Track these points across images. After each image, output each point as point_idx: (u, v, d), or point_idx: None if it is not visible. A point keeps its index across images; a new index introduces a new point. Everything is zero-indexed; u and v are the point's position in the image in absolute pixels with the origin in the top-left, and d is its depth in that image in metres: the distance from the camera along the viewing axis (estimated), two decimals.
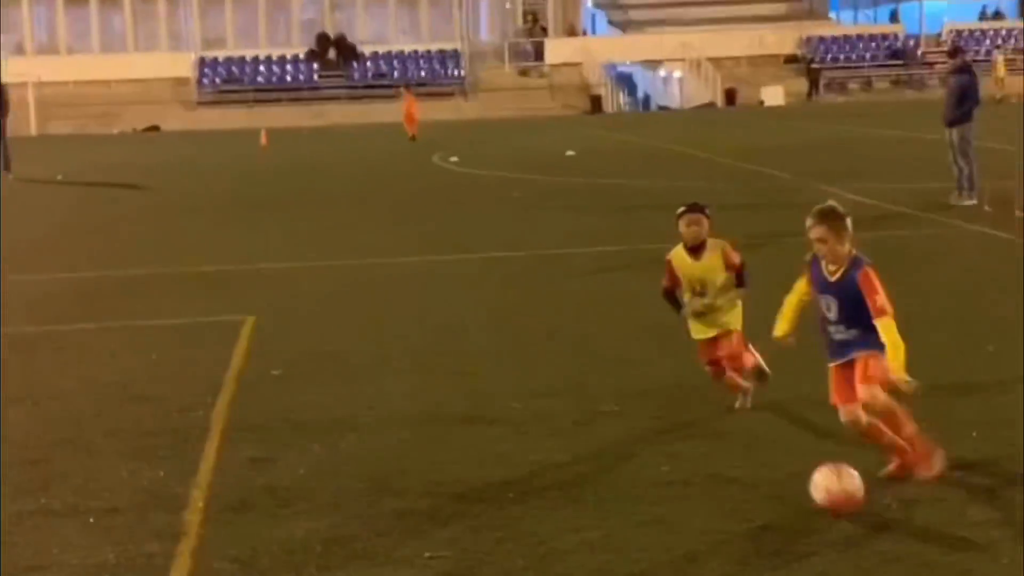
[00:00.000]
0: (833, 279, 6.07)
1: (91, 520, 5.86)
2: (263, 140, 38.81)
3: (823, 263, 6.11)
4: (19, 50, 60.54)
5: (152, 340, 9.96)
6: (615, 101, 60.36)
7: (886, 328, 5.86)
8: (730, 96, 57.77)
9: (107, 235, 17.31)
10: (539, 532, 5.56)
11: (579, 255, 13.95)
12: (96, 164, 31.44)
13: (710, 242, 7.39)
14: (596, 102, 57.61)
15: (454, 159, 29.25)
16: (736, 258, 7.40)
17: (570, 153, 29.69)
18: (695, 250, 7.36)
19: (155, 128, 53.49)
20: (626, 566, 5.18)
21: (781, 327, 6.50)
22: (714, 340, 7.38)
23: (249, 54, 60.51)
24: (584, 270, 12.90)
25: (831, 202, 6.27)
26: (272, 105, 56.51)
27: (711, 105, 57.33)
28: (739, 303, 7.42)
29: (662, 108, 61.60)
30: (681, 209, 7.45)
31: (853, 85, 60.86)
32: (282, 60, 60.31)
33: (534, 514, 5.78)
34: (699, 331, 7.45)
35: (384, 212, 19.20)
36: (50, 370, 9.05)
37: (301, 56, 60.33)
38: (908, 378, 5.81)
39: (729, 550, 5.33)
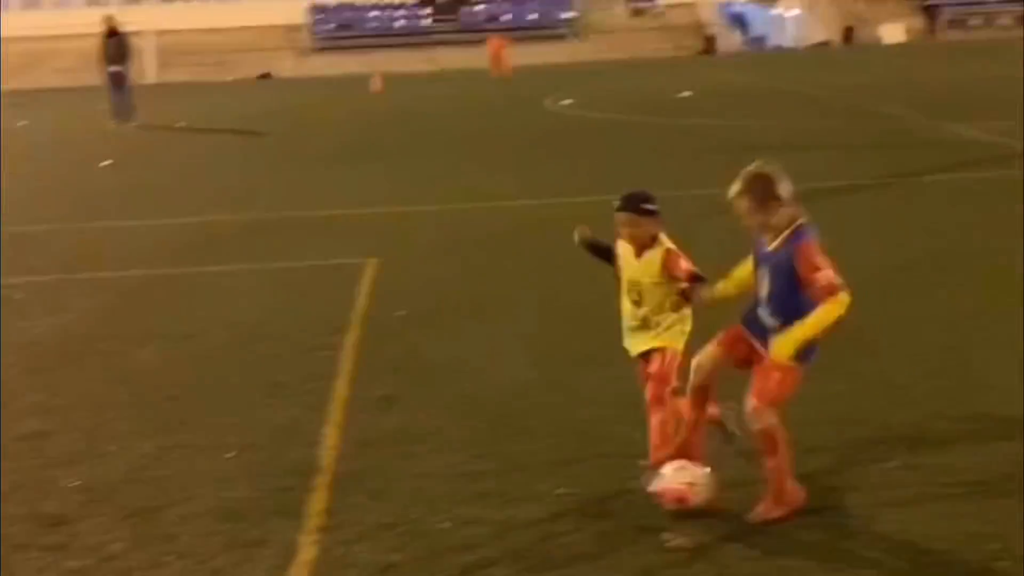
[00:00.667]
0: (769, 248, 5.21)
1: (228, 456, 6.00)
2: (376, 85, 39.01)
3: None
4: None
5: (278, 282, 10.12)
6: (729, 41, 59.40)
7: (826, 311, 4.91)
8: (847, 34, 56.53)
9: (229, 180, 17.59)
10: None
11: (695, 197, 13.76)
12: (214, 111, 31.92)
13: (660, 240, 5.85)
14: (710, 42, 56.81)
15: (567, 102, 29.11)
16: (679, 269, 5.72)
17: (685, 94, 29.36)
18: (641, 247, 5.83)
19: (267, 75, 54.09)
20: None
21: (720, 287, 5.65)
22: (647, 357, 5.76)
23: (361, 0, 60.76)
24: (700, 213, 12.75)
25: (755, 165, 5.37)
26: (384, 51, 56.72)
27: (827, 44, 56.15)
28: (686, 323, 5.77)
29: (777, 48, 60.49)
30: (614, 203, 5.92)
31: (975, 22, 59.08)
32: (393, 5, 60.46)
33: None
34: (633, 345, 5.88)
35: (499, 156, 19.21)
36: (181, 310, 9.25)
37: (413, 1, 60.39)
38: (787, 360, 4.99)
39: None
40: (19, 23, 55.03)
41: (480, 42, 57.26)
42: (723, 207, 12.68)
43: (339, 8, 60.29)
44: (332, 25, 59.23)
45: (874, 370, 6.95)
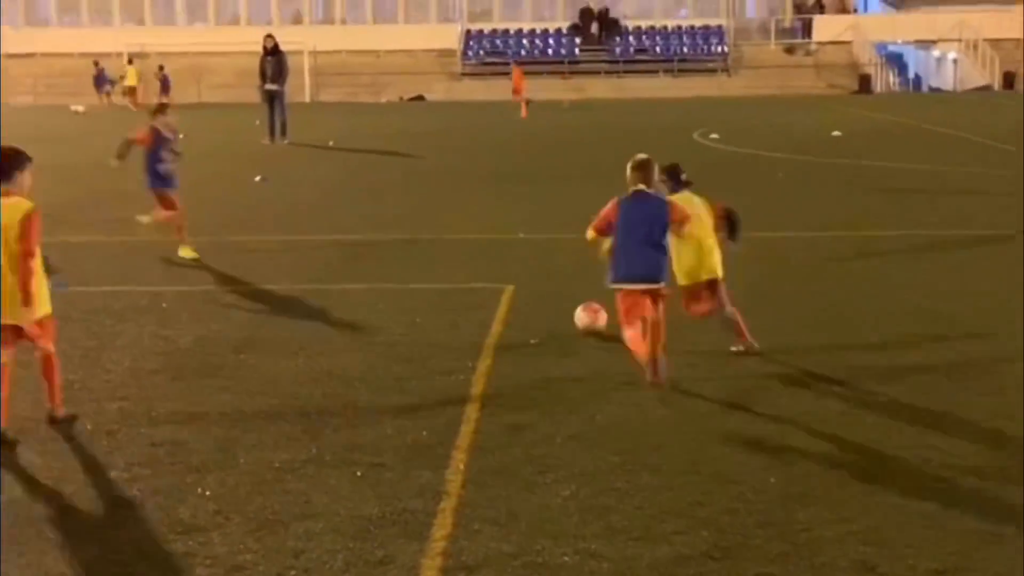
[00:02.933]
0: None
1: (358, 473, 6.05)
2: (523, 112, 39.27)
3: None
4: (296, 19, 63.12)
5: (416, 303, 10.21)
6: (884, 81, 58.37)
7: None
8: (1008, 79, 55.07)
9: (375, 199, 17.85)
10: (802, 519, 5.43)
11: (843, 238, 13.56)
12: (365, 131, 32.48)
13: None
14: (865, 82, 55.88)
15: (715, 136, 28.89)
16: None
17: (836, 133, 28.90)
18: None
19: (420, 98, 54.88)
20: (890, 563, 5.00)
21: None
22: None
23: (513, 27, 61.32)
24: (848, 254, 12.53)
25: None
26: (533, 78, 57.10)
27: (987, 88, 54.76)
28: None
29: (934, 90, 59.24)
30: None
31: None
32: (545, 33, 60.88)
33: (797, 500, 5.65)
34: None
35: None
36: (321, 327, 9.39)
37: (564, 30, 60.72)
38: None
39: (1003, 553, 5.07)
40: (182, 39, 56.81)
41: (629, 72, 57.33)
42: (868, 250, 12.46)
43: (491, 34, 60.90)
44: (483, 50, 59.84)
45: None
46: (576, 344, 8.74)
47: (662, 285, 7.77)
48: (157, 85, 49.81)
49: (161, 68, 50.88)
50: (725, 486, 5.86)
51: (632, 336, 7.84)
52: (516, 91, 43.99)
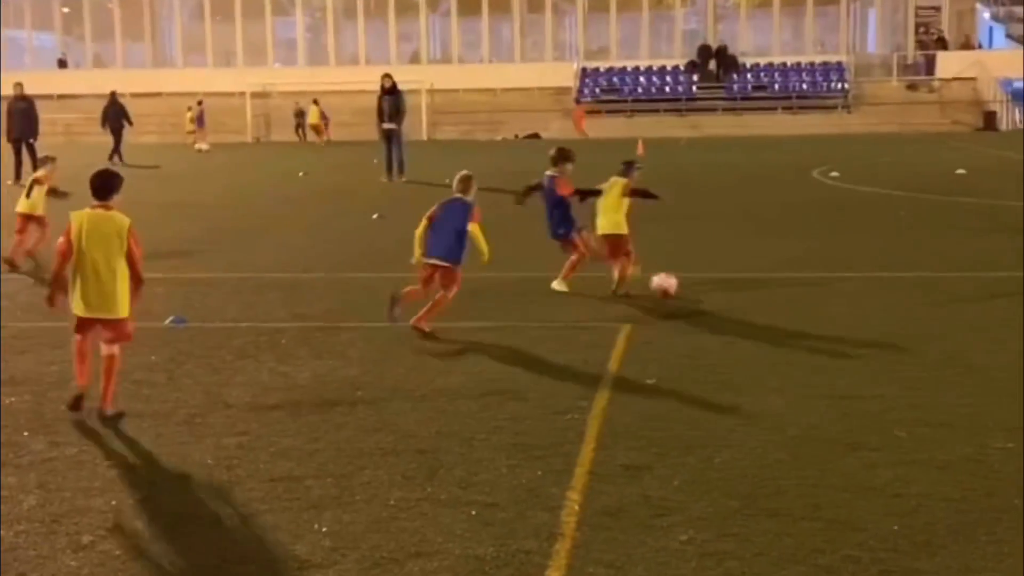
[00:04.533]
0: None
1: (472, 512, 6.04)
2: (640, 149, 39.18)
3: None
4: (415, 59, 64.00)
5: (533, 342, 10.19)
6: (1010, 118, 57.04)
7: None
8: None
9: (493, 238, 17.79)
10: (926, 570, 5.27)
11: (969, 279, 13.24)
12: (480, 169, 32.56)
13: None
14: (990, 119, 54.67)
15: (835, 174, 28.51)
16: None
17: (960, 172, 28.30)
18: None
19: (536, 135, 55.11)
20: None
21: None
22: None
23: (630, 64, 61.34)
24: (975, 295, 12.23)
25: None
26: (650, 115, 57.00)
27: None
28: None
29: None
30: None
31: None
32: (662, 71, 60.77)
33: (921, 550, 5.49)
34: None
35: (763, 225, 18.92)
36: (437, 364, 9.43)
37: (681, 67, 60.57)
38: None
39: None
40: (304, 79, 57.93)
41: (747, 110, 56.91)
42: (995, 292, 12.12)
43: (608, 72, 61.00)
44: (600, 88, 59.94)
45: None
46: (693, 385, 8.65)
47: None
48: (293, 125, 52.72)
49: (316, 103, 52.83)
50: (846, 533, 5.73)
51: None
52: (578, 130, 45.50)
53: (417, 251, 10.92)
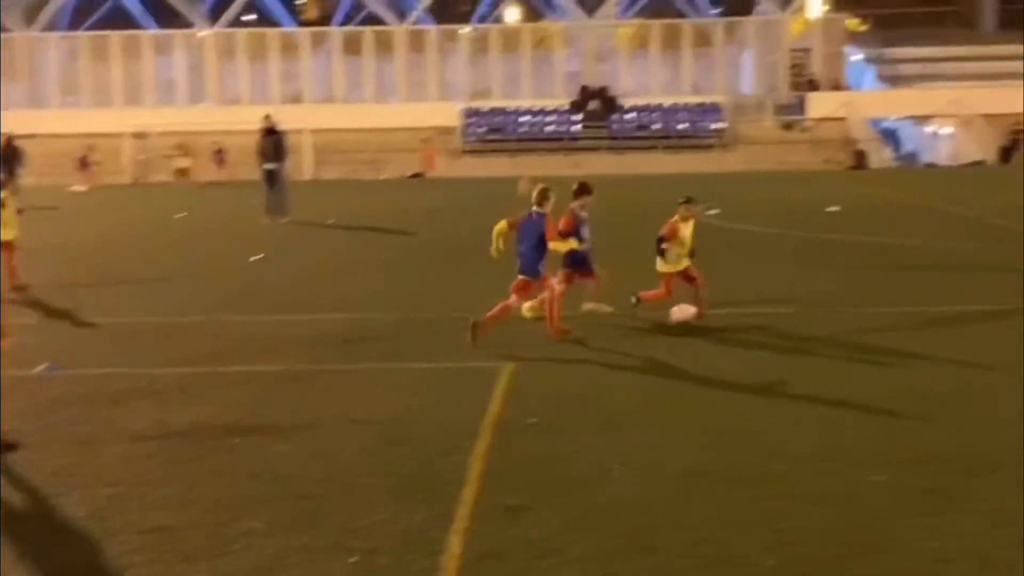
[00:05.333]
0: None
1: (353, 560, 5.98)
2: (523, 188, 39.39)
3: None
4: (297, 98, 63.63)
5: (414, 383, 10.16)
6: (880, 157, 58.70)
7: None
8: (1004, 154, 55.38)
9: (373, 278, 17.85)
10: None
11: (843, 314, 13.53)
12: (365, 209, 32.58)
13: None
14: (860, 157, 56.18)
15: (714, 211, 28.97)
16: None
17: (833, 209, 28.97)
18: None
19: (420, 175, 55.12)
20: None
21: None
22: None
23: (513, 105, 61.79)
24: (849, 330, 12.50)
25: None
26: (533, 154, 57.43)
27: (982, 163, 55.07)
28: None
29: (929, 165, 59.54)
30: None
31: None
32: (545, 111, 61.34)
33: None
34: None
35: (641, 263, 19.09)
36: (318, 408, 9.34)
37: (563, 107, 61.20)
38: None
39: None
40: (184, 118, 57.25)
41: (628, 149, 57.71)
42: (865, 327, 12.39)
43: (492, 112, 61.38)
44: (484, 128, 60.27)
45: (1016, 508, 6.61)
46: (574, 423, 8.69)
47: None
48: (211, 162, 52.03)
49: (216, 144, 52.33)
50: (725, 568, 5.80)
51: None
52: (429, 166, 46.85)
53: (498, 245, 12.71)
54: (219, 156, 52.62)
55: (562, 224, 13.22)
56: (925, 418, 8.69)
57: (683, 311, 12.90)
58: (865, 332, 12.39)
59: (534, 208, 12.42)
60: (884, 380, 10.04)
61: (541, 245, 12.26)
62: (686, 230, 13.53)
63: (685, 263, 13.35)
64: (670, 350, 11.62)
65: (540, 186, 12.48)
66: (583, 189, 13.78)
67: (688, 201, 13.69)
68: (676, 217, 13.62)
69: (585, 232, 13.59)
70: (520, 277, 12.36)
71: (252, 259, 20.03)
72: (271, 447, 8.14)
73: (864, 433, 8.30)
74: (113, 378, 10.50)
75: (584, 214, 13.69)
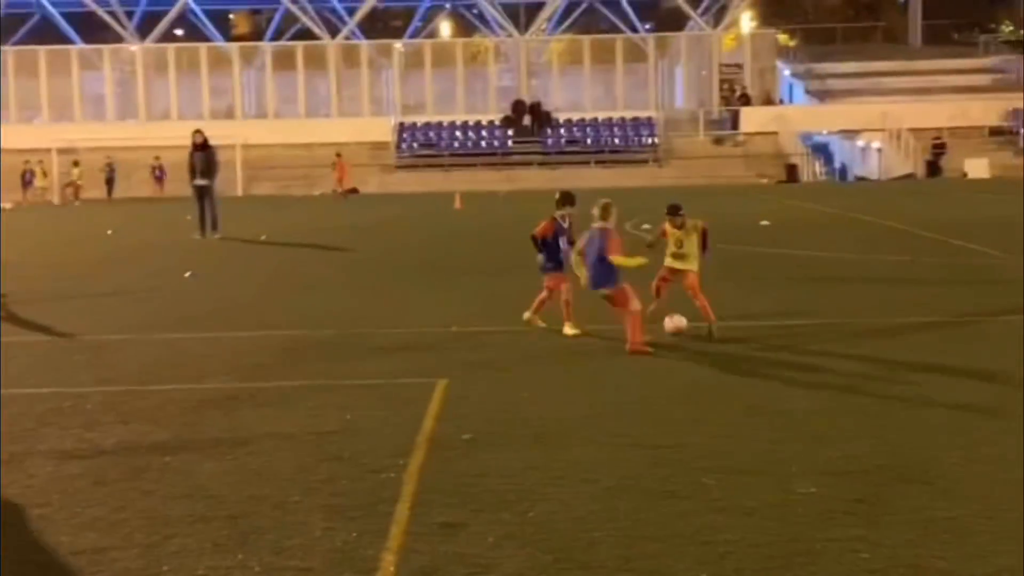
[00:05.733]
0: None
1: None
2: (457, 203, 39.49)
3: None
4: (229, 114, 63.25)
5: (348, 399, 10.12)
6: (811, 171, 59.48)
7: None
8: (931, 168, 56.34)
9: (307, 295, 17.77)
10: None
11: (772, 328, 13.67)
12: (298, 225, 32.46)
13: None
14: (791, 171, 56.90)
15: (647, 226, 29.15)
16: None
17: (765, 223, 29.31)
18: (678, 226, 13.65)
19: (354, 190, 54.99)
20: None
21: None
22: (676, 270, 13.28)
23: (446, 119, 61.87)
24: (778, 344, 12.63)
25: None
26: (467, 169, 57.57)
27: (911, 176, 55.98)
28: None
29: (860, 178, 60.44)
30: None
31: None
32: (478, 126, 61.47)
33: None
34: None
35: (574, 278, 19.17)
36: (249, 426, 9.26)
37: (497, 122, 61.36)
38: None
39: None
40: (115, 133, 56.69)
41: (561, 163, 57.96)
42: (796, 340, 12.52)
43: (425, 127, 61.39)
44: (417, 143, 60.26)
45: (946, 517, 6.71)
46: (508, 439, 8.69)
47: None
48: (103, 180, 51.02)
49: (76, 164, 51.51)
50: None
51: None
52: (339, 181, 49.99)
53: (581, 275, 12.80)
54: (158, 172, 52.02)
55: (539, 230, 13.67)
56: (854, 429, 8.80)
57: (674, 321, 13.07)
58: (795, 344, 12.53)
59: (598, 224, 12.60)
60: (813, 392, 10.16)
61: (604, 258, 12.42)
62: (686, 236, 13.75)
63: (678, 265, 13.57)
64: (604, 364, 11.67)
65: (603, 201, 12.75)
66: (566, 199, 13.95)
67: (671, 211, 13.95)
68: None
69: (564, 243, 13.67)
70: (602, 292, 12.59)
71: (185, 276, 19.85)
72: (202, 466, 8.05)
73: (793, 445, 8.38)
74: (39, 398, 10.35)
75: (565, 224, 13.79)
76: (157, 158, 51.85)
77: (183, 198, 34.64)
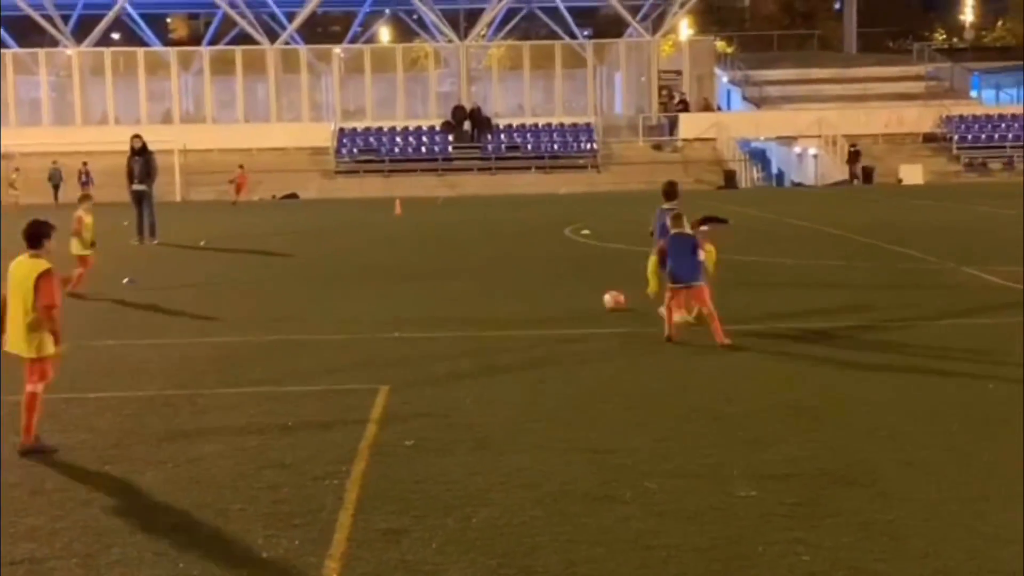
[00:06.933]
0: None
1: None
2: (397, 209, 39.42)
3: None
4: (166, 118, 62.65)
5: (288, 406, 10.07)
6: (749, 176, 59.98)
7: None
8: (867, 174, 57.03)
9: (246, 301, 17.66)
10: None
11: (710, 332, 13.76)
12: (237, 230, 32.22)
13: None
14: (729, 177, 57.34)
15: (586, 232, 29.29)
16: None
17: (703, 229, 29.47)
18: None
19: (294, 196, 54.68)
20: None
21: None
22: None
23: (387, 125, 61.70)
24: (717, 349, 12.73)
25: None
26: (407, 175, 57.44)
27: (847, 182, 56.63)
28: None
29: (796, 184, 61.05)
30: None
31: (995, 165, 59.55)
32: (418, 131, 61.37)
33: None
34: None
35: (515, 283, 19.26)
36: (190, 434, 9.19)
37: (437, 128, 61.30)
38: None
39: None
40: (51, 139, 55.98)
41: (501, 169, 58.03)
42: (737, 344, 12.62)
43: (365, 132, 61.19)
44: (357, 148, 60.06)
45: (884, 520, 6.81)
46: (450, 444, 8.70)
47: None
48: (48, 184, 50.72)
49: (84, 165, 51.01)
50: None
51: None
52: (239, 190, 50.51)
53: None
54: (84, 176, 51.30)
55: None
56: (792, 432, 8.90)
57: (614, 297, 15.10)
58: (733, 349, 12.63)
59: (680, 229, 13.39)
60: (750, 395, 10.25)
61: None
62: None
63: None
64: (544, 369, 11.70)
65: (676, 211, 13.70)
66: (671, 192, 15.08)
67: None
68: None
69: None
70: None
71: (123, 282, 19.65)
72: (142, 474, 7.99)
73: (732, 449, 8.46)
74: None
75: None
76: (84, 163, 51.19)
77: (119, 203, 34.26)
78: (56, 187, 52.15)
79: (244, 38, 65.39)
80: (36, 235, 8.83)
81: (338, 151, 59.74)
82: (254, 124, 61.92)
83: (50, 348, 8.69)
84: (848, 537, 6.49)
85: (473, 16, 68.16)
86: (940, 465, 7.97)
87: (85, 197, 20.06)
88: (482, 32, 68.47)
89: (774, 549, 6.33)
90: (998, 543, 6.33)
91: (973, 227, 28.73)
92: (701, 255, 13.25)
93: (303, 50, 64.67)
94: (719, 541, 6.49)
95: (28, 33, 66.16)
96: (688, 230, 13.53)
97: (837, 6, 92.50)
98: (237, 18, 64.44)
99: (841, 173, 57.82)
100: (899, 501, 7.13)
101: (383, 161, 59.18)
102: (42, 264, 8.69)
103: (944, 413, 9.50)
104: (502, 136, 60.84)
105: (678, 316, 13.51)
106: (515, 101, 65.00)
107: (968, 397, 10.10)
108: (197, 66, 64.73)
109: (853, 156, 57.51)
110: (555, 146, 60.09)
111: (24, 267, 8.70)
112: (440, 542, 6.54)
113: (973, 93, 68.78)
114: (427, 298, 17.34)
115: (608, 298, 15.09)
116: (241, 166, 52.28)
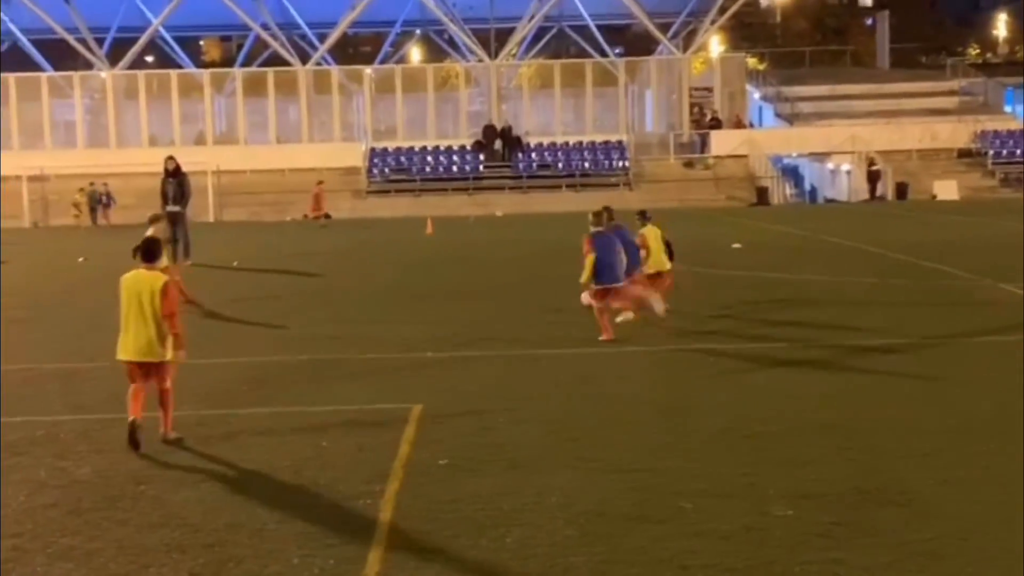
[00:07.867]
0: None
1: None
2: (429, 228, 39.48)
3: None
4: (200, 140, 63.07)
5: (322, 426, 10.10)
6: (781, 193, 59.76)
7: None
8: (900, 190, 56.69)
9: (280, 320, 17.72)
10: None
11: (745, 350, 13.73)
12: (270, 251, 32.34)
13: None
14: (762, 194, 57.12)
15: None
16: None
17: (736, 246, 29.42)
18: None
19: (327, 215, 54.90)
20: None
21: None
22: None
23: (417, 144, 61.88)
24: (750, 367, 12.68)
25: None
26: (438, 194, 57.55)
27: (880, 199, 56.33)
28: None
29: (829, 201, 60.78)
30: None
31: None
32: (449, 151, 61.50)
33: None
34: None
35: (547, 301, 19.24)
36: (223, 453, 9.23)
37: (467, 147, 61.43)
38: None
39: None
40: (84, 160, 56.46)
41: (532, 188, 58.09)
42: (769, 362, 12.55)
43: (396, 152, 61.39)
44: (388, 168, 60.26)
45: (922, 539, 6.76)
46: (483, 464, 8.70)
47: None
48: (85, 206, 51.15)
49: (105, 186, 51.46)
50: None
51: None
52: (316, 208, 48.89)
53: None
54: (105, 198, 51.69)
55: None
56: (826, 451, 8.85)
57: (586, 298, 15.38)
58: (767, 366, 12.58)
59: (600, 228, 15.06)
60: (786, 414, 10.20)
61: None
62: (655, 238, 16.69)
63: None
64: (576, 388, 11.68)
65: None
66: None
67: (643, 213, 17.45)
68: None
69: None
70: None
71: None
72: (176, 494, 8.02)
73: (766, 468, 8.42)
74: (11, 427, 10.28)
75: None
76: (104, 184, 51.55)
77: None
78: (93, 210, 52.58)
79: (276, 59, 65.74)
80: (152, 251, 9.78)
81: (369, 171, 59.92)
82: (286, 145, 62.21)
83: (174, 352, 9.58)
84: (886, 557, 6.45)
85: (503, 35, 68.29)
86: (977, 484, 7.90)
87: (157, 217, 20.25)
88: (512, 51, 68.58)
89: (811, 569, 6.29)
90: None
91: (1009, 243, 28.47)
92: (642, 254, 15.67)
93: (334, 71, 64.99)
94: (755, 561, 6.45)
95: (63, 57, 66.76)
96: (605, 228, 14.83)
97: (869, 22, 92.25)
98: (269, 40, 64.83)
99: (875, 189, 57.52)
100: (936, 520, 7.07)
101: (414, 180, 59.30)
102: (162, 276, 9.64)
103: (981, 431, 9.43)
104: (533, 155, 60.89)
105: (621, 316, 15.41)
106: (546, 120, 65.01)
107: (1005, 415, 10.02)
108: (230, 88, 65.15)
109: (873, 175, 57.19)
110: (586, 164, 60.08)
111: (144, 280, 9.57)
112: (474, 562, 6.54)
113: (1007, 108, 68.26)
114: (459, 317, 17.34)
115: (585, 296, 15.47)
116: (320, 182, 51.90)
